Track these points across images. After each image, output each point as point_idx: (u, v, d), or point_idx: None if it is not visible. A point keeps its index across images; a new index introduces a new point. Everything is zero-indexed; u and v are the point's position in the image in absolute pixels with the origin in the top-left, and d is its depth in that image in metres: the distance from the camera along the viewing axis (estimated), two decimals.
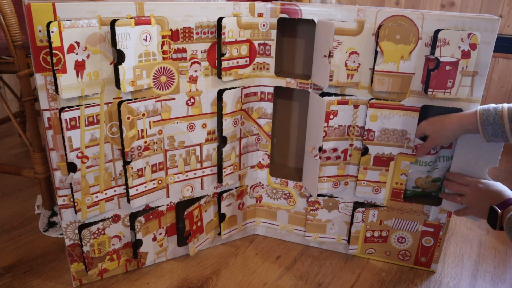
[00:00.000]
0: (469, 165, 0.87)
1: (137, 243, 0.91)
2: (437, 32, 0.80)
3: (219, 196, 0.99)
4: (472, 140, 0.85)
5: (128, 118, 0.80)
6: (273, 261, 1.01)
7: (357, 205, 0.98)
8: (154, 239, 0.94)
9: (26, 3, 0.67)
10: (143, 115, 0.82)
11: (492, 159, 0.85)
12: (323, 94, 0.91)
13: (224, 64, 0.87)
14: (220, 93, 0.90)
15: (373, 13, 0.83)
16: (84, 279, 0.90)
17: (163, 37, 0.80)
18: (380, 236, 1.00)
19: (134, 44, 0.75)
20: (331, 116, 0.90)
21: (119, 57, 0.74)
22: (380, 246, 1.01)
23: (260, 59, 0.93)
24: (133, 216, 0.89)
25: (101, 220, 0.86)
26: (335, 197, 0.99)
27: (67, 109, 0.74)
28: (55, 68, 0.69)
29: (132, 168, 0.83)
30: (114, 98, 0.79)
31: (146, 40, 0.76)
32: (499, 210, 0.75)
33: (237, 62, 0.89)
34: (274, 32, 0.91)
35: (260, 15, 0.89)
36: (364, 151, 0.92)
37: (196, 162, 0.93)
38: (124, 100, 0.79)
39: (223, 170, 0.96)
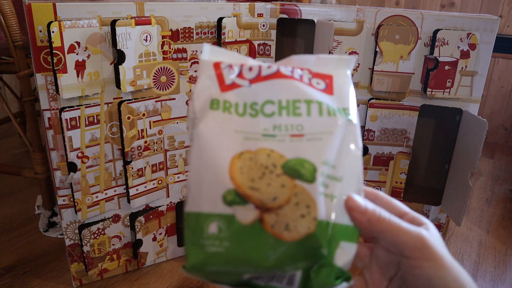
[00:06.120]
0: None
1: (137, 243, 0.91)
2: (436, 32, 0.80)
3: None
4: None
5: (128, 118, 0.80)
6: None
7: None
8: (154, 239, 0.94)
9: (26, 3, 0.67)
10: (143, 115, 0.82)
11: (471, 164, 0.81)
12: None
13: None
14: None
15: (373, 13, 0.83)
16: (84, 279, 0.90)
17: (163, 37, 0.80)
18: None
19: (134, 44, 0.75)
20: None
21: (120, 57, 0.74)
22: None
23: (260, 59, 0.93)
24: (133, 216, 0.89)
25: (101, 220, 0.86)
26: None
27: (67, 109, 0.74)
28: (55, 68, 0.69)
29: (132, 168, 0.83)
30: (114, 98, 0.79)
31: (146, 40, 0.77)
32: None
33: None
34: (273, 32, 0.91)
35: (260, 15, 0.89)
36: (364, 151, 0.92)
37: None
38: (124, 100, 0.79)
39: None
